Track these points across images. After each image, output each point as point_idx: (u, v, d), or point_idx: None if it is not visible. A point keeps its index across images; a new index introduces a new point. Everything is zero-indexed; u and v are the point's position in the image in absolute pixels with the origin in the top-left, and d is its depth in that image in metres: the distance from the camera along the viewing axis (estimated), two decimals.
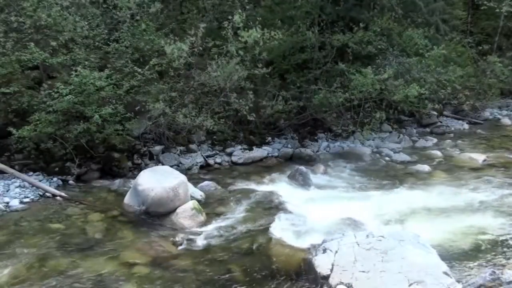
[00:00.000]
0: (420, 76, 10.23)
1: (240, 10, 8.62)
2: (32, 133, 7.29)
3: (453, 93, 11.65)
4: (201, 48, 8.71)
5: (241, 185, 8.08)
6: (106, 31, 8.82)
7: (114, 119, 7.89)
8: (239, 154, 9.73)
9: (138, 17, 9.07)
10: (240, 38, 8.40)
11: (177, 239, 5.78)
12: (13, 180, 7.31)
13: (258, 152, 9.92)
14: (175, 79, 9.25)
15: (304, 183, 8.08)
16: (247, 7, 10.32)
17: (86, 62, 7.94)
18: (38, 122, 7.35)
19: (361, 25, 10.48)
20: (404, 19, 11.35)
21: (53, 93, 7.46)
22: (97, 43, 8.65)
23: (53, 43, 7.78)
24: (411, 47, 10.80)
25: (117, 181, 7.90)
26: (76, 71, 7.53)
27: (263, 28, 8.47)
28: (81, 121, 7.59)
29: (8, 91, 7.42)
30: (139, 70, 8.40)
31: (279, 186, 8.00)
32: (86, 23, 8.33)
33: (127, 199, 6.65)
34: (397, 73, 10.09)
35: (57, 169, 7.89)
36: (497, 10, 15.13)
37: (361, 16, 10.92)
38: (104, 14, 9.23)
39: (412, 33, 10.82)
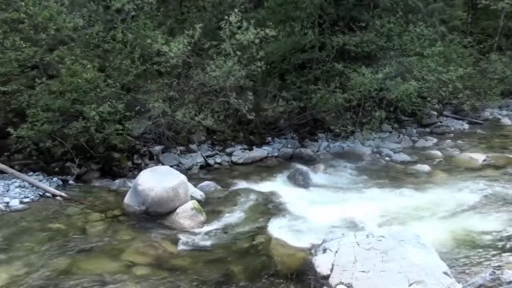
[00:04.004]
0: (421, 75, 10.23)
1: (236, 10, 8.64)
2: (30, 132, 7.30)
3: (453, 92, 11.65)
4: (196, 46, 8.71)
5: (241, 185, 8.08)
6: (103, 27, 8.81)
7: (113, 118, 7.90)
8: (239, 154, 9.73)
9: (133, 13, 9.06)
10: (236, 38, 8.44)
11: (177, 239, 5.78)
12: (13, 180, 7.31)
13: (258, 152, 9.92)
14: (173, 78, 9.26)
15: (304, 183, 8.09)
16: (248, 6, 10.32)
17: (78, 58, 7.95)
18: (35, 120, 7.36)
19: (362, 24, 10.49)
20: (405, 17, 11.33)
21: (46, 88, 7.51)
22: (95, 41, 8.65)
23: (43, 36, 7.74)
24: (410, 48, 10.79)
25: (117, 181, 7.91)
26: (64, 64, 7.58)
27: (258, 27, 8.49)
28: (80, 119, 7.61)
29: (5, 89, 7.42)
30: (129, 62, 8.43)
31: (279, 186, 8.00)
32: (84, 20, 8.33)
33: (127, 199, 6.65)
34: (397, 72, 10.10)
35: (57, 169, 7.90)
36: (493, 7, 15.11)
37: (361, 17, 10.92)
38: (103, 12, 9.22)
39: (413, 34, 10.80)
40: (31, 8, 7.58)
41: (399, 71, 10.18)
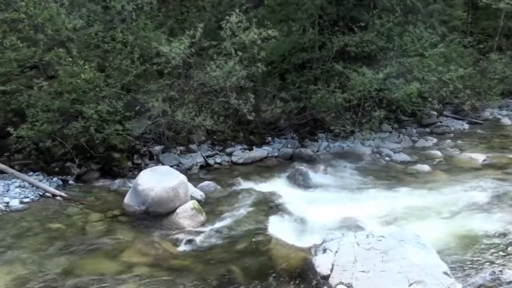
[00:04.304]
0: (422, 76, 10.24)
1: (237, 10, 8.64)
2: (30, 132, 7.30)
3: (454, 92, 11.66)
4: (196, 46, 8.72)
5: (241, 185, 8.07)
6: (102, 27, 8.80)
7: (113, 118, 7.89)
8: (239, 154, 9.73)
9: (133, 13, 9.04)
10: (237, 38, 8.44)
11: (177, 239, 5.78)
12: (13, 180, 7.31)
13: (258, 152, 9.92)
14: (173, 79, 9.26)
15: (304, 183, 8.09)
16: (248, 5, 10.31)
17: (75, 59, 7.95)
18: (35, 120, 7.36)
19: (362, 24, 10.50)
20: (405, 17, 11.35)
21: (45, 88, 7.51)
22: (95, 41, 8.64)
23: (41, 36, 7.74)
24: (410, 48, 10.80)
25: (117, 181, 7.91)
26: (61, 64, 7.58)
27: (260, 28, 8.50)
28: (80, 119, 7.61)
29: (4, 88, 7.42)
30: (129, 62, 8.44)
31: (279, 186, 7.99)
32: (83, 21, 8.33)
33: (127, 199, 6.65)
34: (398, 72, 10.11)
35: (57, 169, 7.90)
36: (494, 7, 15.10)
37: (361, 17, 10.93)
38: (103, 12, 9.21)
39: (413, 35, 10.80)
40: (31, 8, 7.58)
41: (399, 71, 10.18)
